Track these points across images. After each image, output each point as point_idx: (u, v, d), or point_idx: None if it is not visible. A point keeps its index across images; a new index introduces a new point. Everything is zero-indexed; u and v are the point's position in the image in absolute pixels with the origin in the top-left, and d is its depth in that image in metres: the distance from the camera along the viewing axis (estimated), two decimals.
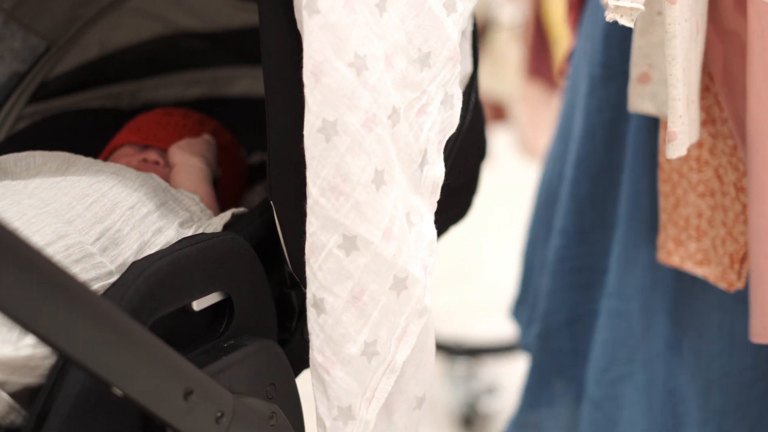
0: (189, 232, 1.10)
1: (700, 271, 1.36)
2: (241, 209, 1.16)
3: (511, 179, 3.45)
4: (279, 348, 1.06)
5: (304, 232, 1.00)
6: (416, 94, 1.05)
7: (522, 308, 1.75)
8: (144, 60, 1.57)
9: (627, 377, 1.47)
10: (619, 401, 1.48)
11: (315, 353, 1.02)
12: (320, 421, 1.04)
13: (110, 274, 1.02)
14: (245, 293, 1.05)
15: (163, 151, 1.36)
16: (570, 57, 1.65)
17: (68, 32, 1.49)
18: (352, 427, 1.03)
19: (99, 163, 1.19)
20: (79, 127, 1.47)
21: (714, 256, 1.34)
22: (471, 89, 1.24)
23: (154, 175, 1.17)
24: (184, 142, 1.34)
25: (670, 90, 1.16)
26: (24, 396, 0.93)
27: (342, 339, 1.01)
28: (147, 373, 0.86)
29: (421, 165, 1.06)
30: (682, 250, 1.38)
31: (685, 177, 1.34)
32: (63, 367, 0.91)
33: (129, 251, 1.05)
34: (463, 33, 1.17)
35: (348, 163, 0.97)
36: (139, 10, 1.54)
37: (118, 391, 0.84)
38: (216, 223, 1.12)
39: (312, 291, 1.01)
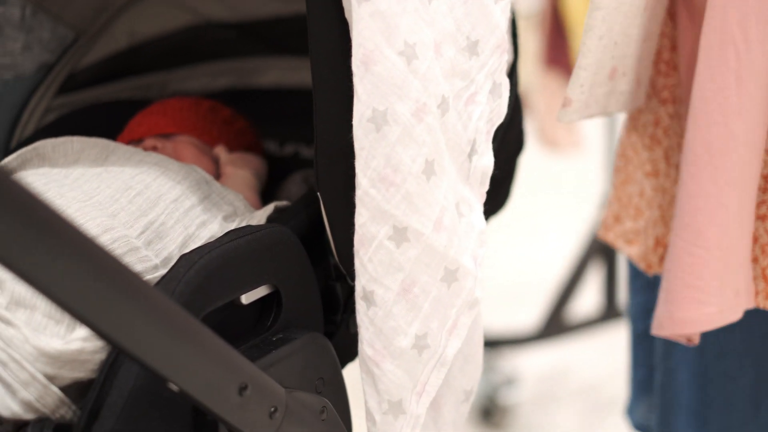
0: (233, 226, 1.08)
1: (627, 250, 1.36)
2: (283, 202, 1.14)
3: (530, 170, 3.44)
4: (327, 341, 1.05)
5: (352, 224, 0.99)
6: (465, 83, 1.03)
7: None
8: (172, 50, 1.55)
9: None
10: None
11: (365, 346, 1.00)
12: (369, 416, 1.02)
13: (156, 267, 1.00)
14: (293, 286, 1.03)
15: (162, 137, 1.33)
16: None
17: (97, 22, 1.47)
18: (402, 421, 1.02)
19: (139, 152, 1.17)
20: (108, 119, 1.45)
21: (643, 236, 1.34)
22: (512, 79, 1.22)
23: (197, 167, 1.15)
24: (236, 156, 1.33)
25: (579, 58, 1.19)
26: (74, 390, 0.92)
27: (392, 332, 0.99)
28: (203, 367, 0.84)
29: (470, 155, 1.05)
30: (618, 228, 1.38)
31: (638, 154, 1.33)
32: (114, 362, 0.90)
33: (173, 245, 1.04)
34: None
35: (398, 153, 0.96)
36: (168, 0, 1.52)
37: (174, 387, 0.82)
38: (259, 216, 1.10)
39: (361, 283, 0.99)
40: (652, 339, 1.55)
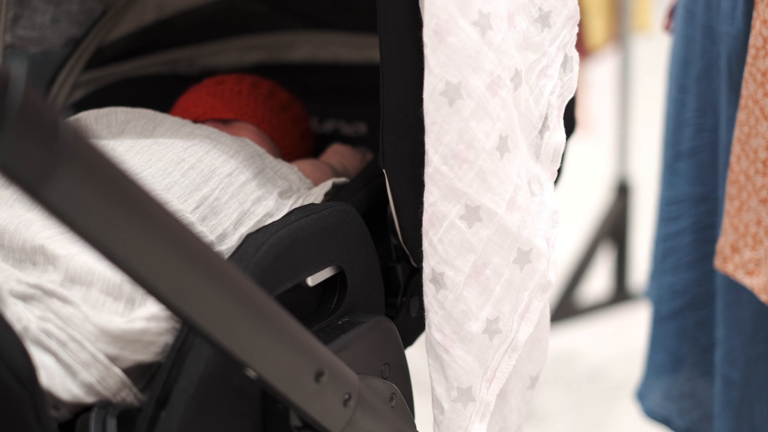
0: (289, 202, 1.03)
1: (748, 282, 1.30)
2: (341, 179, 1.09)
3: None
4: (393, 325, 1.00)
5: (418, 203, 0.95)
6: (537, 56, 0.99)
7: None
8: (202, 24, 1.50)
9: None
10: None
11: (433, 331, 0.96)
12: (437, 403, 0.98)
13: (211, 245, 0.95)
14: (357, 267, 0.98)
15: (221, 122, 1.28)
16: (673, 11, 1.56)
17: None
18: (471, 408, 0.98)
19: (187, 124, 1.12)
20: (137, 95, 1.40)
21: (764, 266, 1.28)
22: None
23: (249, 140, 1.10)
24: (343, 149, 1.28)
25: None
26: (135, 373, 0.87)
27: (463, 316, 0.95)
28: (281, 353, 0.80)
29: (542, 131, 1.00)
30: (737, 258, 1.31)
31: (751, 180, 1.27)
32: (182, 347, 0.85)
33: (228, 221, 0.99)
34: None
35: (472, 128, 0.91)
36: None
37: (252, 373, 0.78)
38: (316, 193, 1.05)
39: (431, 265, 0.95)
40: (679, 321, 1.52)
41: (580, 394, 2.49)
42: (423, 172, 0.93)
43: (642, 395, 1.60)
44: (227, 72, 1.50)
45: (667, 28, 1.58)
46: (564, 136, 1.02)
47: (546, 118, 1.00)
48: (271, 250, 0.89)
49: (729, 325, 1.36)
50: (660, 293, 1.56)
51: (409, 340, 1.08)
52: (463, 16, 0.90)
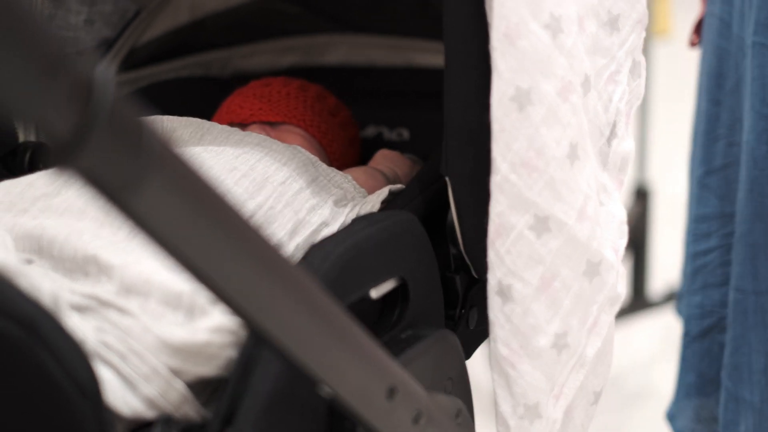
0: (345, 211, 1.00)
1: None
2: (397, 186, 1.06)
3: None
4: (456, 339, 0.97)
5: (482, 212, 0.91)
6: (606, 61, 0.96)
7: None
8: (235, 26, 1.47)
9: None
10: None
11: (499, 346, 0.93)
12: (502, 420, 0.95)
13: (291, 258, 0.91)
14: (419, 279, 0.95)
15: (269, 124, 1.25)
16: (700, 25, 1.53)
17: None
18: (538, 426, 0.94)
19: (236, 131, 1.09)
20: (171, 97, 1.36)
21: None
22: None
23: (300, 148, 1.06)
24: (392, 155, 1.24)
25: None
26: (196, 388, 0.83)
27: (531, 330, 0.92)
28: (355, 368, 0.76)
29: (610, 138, 0.97)
30: None
31: None
32: (248, 362, 0.81)
33: (283, 231, 0.95)
34: None
35: (543, 135, 0.88)
36: None
37: (327, 390, 0.74)
38: (373, 201, 1.02)
39: (497, 277, 0.91)
40: (707, 342, 1.49)
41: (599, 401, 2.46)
42: (488, 179, 0.90)
43: (672, 416, 1.57)
44: (260, 75, 1.47)
45: (694, 44, 1.55)
46: (632, 144, 0.99)
47: (614, 125, 0.97)
48: (338, 262, 0.85)
49: (753, 348, 1.33)
50: (689, 312, 1.53)
51: (467, 354, 1.05)
52: (534, 19, 0.87)
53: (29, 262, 0.85)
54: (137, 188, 0.58)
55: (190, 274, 0.63)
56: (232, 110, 1.26)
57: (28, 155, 1.21)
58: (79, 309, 0.81)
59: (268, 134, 1.23)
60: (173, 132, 1.08)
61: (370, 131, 1.45)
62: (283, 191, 0.98)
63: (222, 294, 0.65)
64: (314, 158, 1.06)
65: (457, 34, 0.91)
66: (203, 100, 1.35)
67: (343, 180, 1.05)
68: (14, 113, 0.54)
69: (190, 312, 0.81)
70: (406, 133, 1.41)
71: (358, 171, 1.15)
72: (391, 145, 1.32)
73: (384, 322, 0.95)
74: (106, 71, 0.56)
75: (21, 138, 1.23)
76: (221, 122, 1.26)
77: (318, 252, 0.86)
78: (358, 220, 0.93)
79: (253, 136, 1.06)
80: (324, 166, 1.06)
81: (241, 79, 1.48)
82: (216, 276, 0.65)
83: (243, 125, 1.26)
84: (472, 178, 0.93)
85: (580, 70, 0.91)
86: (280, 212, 0.96)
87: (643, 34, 0.99)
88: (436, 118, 1.35)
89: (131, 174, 0.57)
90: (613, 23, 0.96)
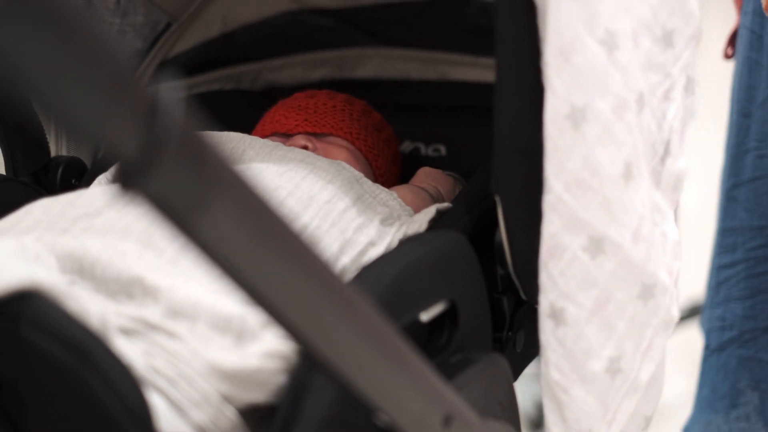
0: (392, 230, 0.97)
1: None
2: (444, 204, 1.03)
3: None
4: (506, 363, 0.94)
5: (533, 232, 0.89)
6: (659, 78, 0.94)
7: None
8: (267, 38, 1.45)
9: None
10: None
11: (551, 370, 0.90)
12: None
13: (349, 281, 0.89)
14: (468, 301, 0.92)
15: (314, 135, 1.22)
16: (734, 38, 1.51)
17: (190, 7, 1.36)
18: None
19: (278, 146, 1.06)
20: (204, 111, 1.34)
21: None
22: None
23: (345, 164, 1.04)
24: (434, 172, 1.22)
25: None
26: (248, 414, 0.81)
27: (584, 354, 0.89)
28: (414, 395, 0.74)
29: (663, 157, 0.95)
30: None
31: None
32: (300, 389, 0.78)
33: (329, 252, 0.92)
34: None
35: (597, 154, 0.86)
36: None
37: (384, 417, 0.72)
38: (420, 220, 0.99)
39: (549, 299, 0.89)
40: (724, 357, 1.46)
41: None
42: (539, 199, 0.87)
43: (687, 430, 1.55)
44: (291, 88, 1.45)
45: (729, 56, 1.53)
46: (686, 162, 0.96)
47: (668, 143, 0.95)
48: (390, 284, 0.83)
49: None
50: (710, 325, 1.51)
51: (514, 377, 1.02)
52: (589, 35, 0.85)
53: (72, 283, 0.82)
54: (204, 211, 0.56)
55: (250, 297, 0.61)
56: (276, 120, 1.23)
57: (60, 170, 1.19)
58: (127, 332, 0.78)
59: (314, 145, 1.21)
60: None
61: (407, 147, 1.42)
62: (329, 210, 0.95)
63: (282, 318, 0.63)
64: (359, 175, 1.03)
65: (509, 48, 0.89)
66: (235, 114, 1.33)
67: (389, 197, 1.03)
68: (80, 134, 0.52)
69: (240, 336, 0.79)
70: (443, 149, 1.38)
71: (404, 189, 1.13)
72: (428, 161, 1.30)
73: (432, 345, 0.92)
74: (171, 89, 0.54)
75: (53, 153, 1.21)
76: (263, 133, 1.24)
77: (369, 274, 0.84)
78: (407, 241, 0.91)
79: (296, 151, 1.04)
80: (369, 182, 1.03)
81: (273, 92, 1.46)
82: (277, 299, 0.62)
83: (288, 135, 1.24)
84: (523, 198, 0.91)
85: (635, 87, 0.89)
86: (327, 232, 0.94)
87: (697, 50, 0.97)
88: (472, 133, 1.33)
89: (198, 196, 0.55)
90: (667, 39, 0.93)
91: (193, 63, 1.39)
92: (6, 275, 0.70)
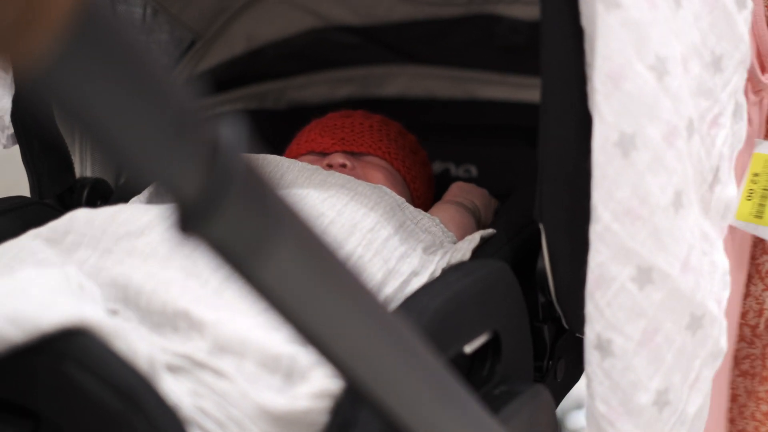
0: (435, 259, 0.95)
1: None
2: (488, 231, 1.01)
3: None
4: (549, 394, 0.92)
5: (577, 260, 0.87)
6: (709, 103, 0.92)
7: None
8: (292, 56, 1.43)
9: None
10: None
11: (597, 403, 0.88)
12: None
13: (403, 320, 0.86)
14: (511, 331, 0.90)
15: (352, 154, 1.20)
16: None
17: (214, 24, 1.35)
18: None
19: (317, 170, 1.04)
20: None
21: None
22: None
23: (386, 189, 1.02)
24: (468, 186, 1.20)
25: None
26: None
27: (632, 387, 0.87)
28: (461, 429, 0.71)
29: (712, 185, 0.93)
30: None
31: None
32: (345, 424, 0.76)
33: (373, 281, 0.90)
34: None
35: (647, 183, 0.83)
36: (289, 1, 1.39)
37: None
38: (464, 249, 0.97)
39: (596, 331, 0.87)
40: None
41: None
42: (585, 228, 0.85)
43: None
44: (316, 107, 1.43)
45: None
46: (735, 189, 0.94)
47: (717, 170, 0.92)
48: (435, 316, 0.81)
49: None
50: None
51: (555, 406, 1.00)
52: (640, 60, 0.83)
53: (115, 312, 0.80)
54: (267, 255, 0.53)
55: (307, 339, 0.59)
56: (312, 139, 1.21)
57: (86, 192, 1.17)
58: (173, 369, 0.75)
59: (352, 164, 1.18)
60: None
61: (437, 167, 1.40)
62: (372, 238, 0.93)
63: (336, 357, 0.61)
64: (400, 200, 1.01)
65: (555, 73, 0.87)
66: (262, 133, 1.31)
67: (431, 223, 1.00)
68: (141, 175, 0.49)
69: (289, 376, 0.76)
70: (473, 170, 1.36)
71: (445, 208, 1.10)
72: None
73: (475, 376, 0.90)
74: (232, 129, 0.51)
75: (78, 174, 1.19)
76: (299, 152, 1.21)
77: (414, 306, 0.82)
78: (450, 271, 0.89)
79: (337, 176, 1.02)
80: (411, 208, 1.01)
81: (297, 111, 1.44)
82: (334, 340, 0.60)
83: (324, 154, 1.21)
84: (568, 226, 0.89)
85: (685, 113, 0.87)
86: (370, 261, 0.92)
87: (745, 75, 0.95)
88: (504, 153, 1.31)
89: (261, 240, 0.53)
90: (716, 64, 0.91)
91: (217, 81, 1.37)
92: (53, 311, 0.67)
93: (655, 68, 0.83)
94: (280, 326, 0.58)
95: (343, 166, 1.17)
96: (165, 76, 0.48)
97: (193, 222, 0.50)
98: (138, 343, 0.70)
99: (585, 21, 0.84)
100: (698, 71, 0.90)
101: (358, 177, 1.13)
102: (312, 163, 1.18)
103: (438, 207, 1.11)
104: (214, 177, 0.50)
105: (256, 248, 0.53)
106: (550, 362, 0.98)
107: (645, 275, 0.85)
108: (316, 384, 0.74)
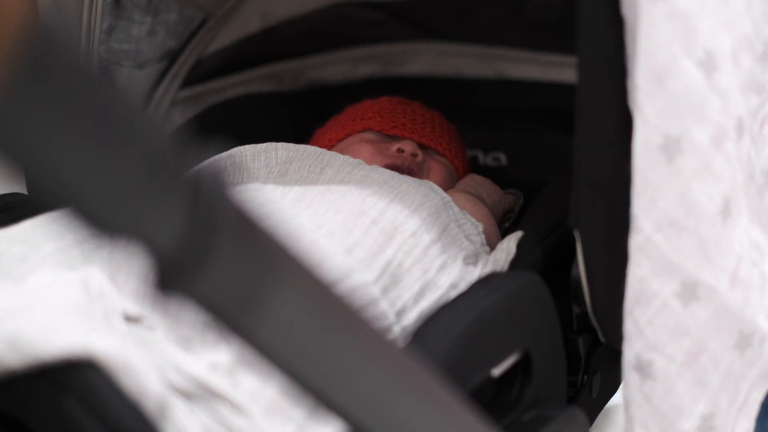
0: (476, 271, 0.87)
1: None
2: (517, 234, 0.93)
3: None
4: (584, 417, 0.85)
5: (615, 272, 0.81)
6: (760, 99, 0.84)
7: None
8: (310, 34, 1.36)
9: None
10: None
11: (636, 428, 0.82)
12: None
13: (388, 329, 0.79)
14: (543, 349, 0.84)
15: (422, 147, 1.13)
16: None
17: (227, 2, 1.27)
18: None
19: (360, 164, 0.98)
20: (250, 116, 1.25)
21: None
22: None
23: (433, 185, 0.95)
24: (482, 179, 1.12)
25: None
26: None
27: (674, 412, 0.81)
28: None
29: (762, 188, 0.85)
30: None
31: None
32: None
33: (409, 293, 0.83)
34: None
35: (693, 190, 0.77)
36: None
37: None
38: (502, 260, 0.89)
39: (635, 350, 0.80)
40: None
41: None
42: (624, 237, 0.79)
43: None
44: (335, 87, 1.35)
45: None
46: None
47: None
48: (459, 340, 0.74)
49: None
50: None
51: (590, 423, 0.93)
52: (687, 55, 0.75)
53: (139, 319, 0.72)
54: (263, 310, 0.47)
55: (312, 394, 0.52)
56: (369, 117, 1.14)
57: None
58: (188, 396, 0.69)
59: (423, 157, 1.10)
60: (289, 163, 0.97)
61: None
62: (414, 244, 0.86)
63: (341, 411, 0.55)
64: (447, 199, 0.94)
65: (592, 68, 0.81)
66: (276, 119, 1.26)
67: (473, 230, 0.93)
68: (109, 229, 0.42)
69: (303, 428, 0.69)
70: (503, 158, 1.27)
71: (463, 199, 1.02)
72: (488, 172, 1.19)
73: (502, 399, 0.83)
74: (215, 169, 0.44)
75: None
76: (354, 128, 1.13)
77: (436, 328, 0.75)
78: (479, 286, 0.82)
79: (380, 171, 0.96)
80: (455, 208, 0.94)
81: (315, 91, 1.37)
82: (341, 394, 0.54)
83: (386, 136, 1.13)
84: (606, 235, 0.83)
85: (734, 112, 0.79)
86: (408, 270, 0.84)
87: None
88: (536, 140, 1.23)
89: (255, 293, 0.46)
90: None
91: (230, 61, 1.30)
92: (57, 338, 0.61)
93: (703, 64, 0.76)
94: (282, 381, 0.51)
95: (414, 155, 1.09)
96: (132, 114, 0.41)
97: (174, 279, 0.43)
98: (149, 379, 0.64)
99: (626, 10, 0.77)
100: (749, 64, 0.82)
101: (421, 171, 1.07)
102: (373, 142, 1.11)
103: (455, 196, 1.03)
104: (197, 225, 0.43)
105: (251, 302, 0.47)
106: (585, 377, 0.91)
107: (690, 291, 0.79)
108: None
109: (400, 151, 1.09)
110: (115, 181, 0.40)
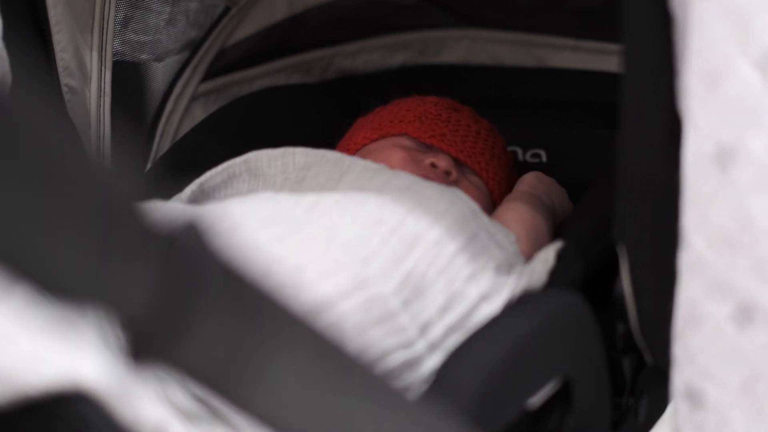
0: (509, 282, 0.81)
1: None
2: (556, 244, 0.87)
3: None
4: None
5: (663, 290, 0.76)
6: None
7: None
8: (341, 21, 1.32)
9: None
10: None
11: None
12: None
13: (410, 344, 0.74)
14: (584, 375, 0.79)
15: (458, 164, 1.07)
16: None
17: None
18: None
19: (381, 170, 0.94)
20: (275, 110, 1.20)
21: None
22: None
23: (459, 191, 0.91)
24: (549, 181, 1.06)
25: None
26: None
27: None
28: None
29: None
30: None
31: None
32: None
33: (433, 306, 0.78)
34: None
35: (750, 204, 0.71)
36: None
37: None
38: (539, 271, 0.83)
39: (685, 377, 0.75)
40: None
41: None
42: (673, 252, 0.74)
43: None
44: (367, 77, 1.30)
45: None
46: None
47: None
48: (491, 375, 0.69)
49: None
50: None
51: None
52: (742, 56, 0.70)
53: None
54: (256, 374, 0.42)
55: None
56: (410, 121, 1.09)
57: None
58: (188, 416, 0.65)
59: (456, 177, 1.05)
60: (307, 170, 0.93)
61: None
62: (438, 254, 0.82)
63: None
64: (475, 207, 0.90)
65: (638, 68, 0.77)
66: (303, 113, 1.21)
67: (505, 239, 0.88)
68: (69, 296, 0.37)
69: None
70: (543, 155, 1.21)
71: (519, 205, 0.96)
72: (527, 170, 1.13)
73: (540, 429, 0.77)
74: (195, 225, 0.38)
75: None
76: (391, 131, 1.09)
77: (467, 360, 0.70)
78: (515, 310, 0.76)
79: (402, 176, 0.92)
80: (485, 218, 0.90)
81: (346, 82, 1.31)
82: None
83: (422, 144, 1.08)
84: (654, 249, 0.79)
85: None
86: (432, 281, 0.80)
87: None
88: (578, 136, 1.17)
89: (246, 356, 0.41)
90: None
91: (256, 51, 1.27)
92: (43, 370, 0.59)
93: (760, 65, 0.71)
94: None
95: (448, 174, 1.03)
96: (84, 162, 0.36)
97: (150, 347, 0.38)
98: (145, 405, 0.61)
99: (676, 5, 0.73)
100: None
101: None
102: (407, 149, 1.06)
103: (510, 203, 0.97)
104: (172, 285, 0.37)
105: (242, 366, 0.41)
106: (631, 399, 0.85)
107: (745, 314, 0.73)
108: None
109: (433, 165, 1.03)
110: (68, 242, 0.35)
